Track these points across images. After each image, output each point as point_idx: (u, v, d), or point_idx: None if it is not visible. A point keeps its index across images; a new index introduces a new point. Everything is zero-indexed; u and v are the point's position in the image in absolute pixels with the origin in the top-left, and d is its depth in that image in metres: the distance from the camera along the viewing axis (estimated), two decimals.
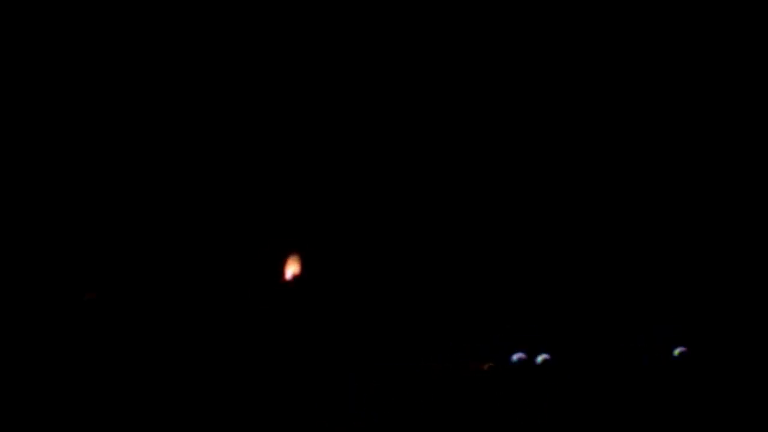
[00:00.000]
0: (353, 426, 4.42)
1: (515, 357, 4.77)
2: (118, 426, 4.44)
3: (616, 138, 5.21)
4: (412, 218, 5.21)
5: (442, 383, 4.63)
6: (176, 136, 5.18)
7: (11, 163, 5.07)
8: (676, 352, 4.82)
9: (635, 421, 4.52)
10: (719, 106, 5.20)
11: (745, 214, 5.16)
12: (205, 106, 5.19)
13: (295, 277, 5.00)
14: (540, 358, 4.80)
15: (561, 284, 5.15)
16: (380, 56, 5.22)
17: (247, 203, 5.17)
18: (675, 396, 4.62)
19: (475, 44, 5.24)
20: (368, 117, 5.23)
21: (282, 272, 5.03)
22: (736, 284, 5.10)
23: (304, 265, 5.03)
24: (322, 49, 5.22)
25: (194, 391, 4.58)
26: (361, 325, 4.96)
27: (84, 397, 4.52)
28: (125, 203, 5.13)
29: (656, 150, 5.23)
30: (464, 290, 5.12)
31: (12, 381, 4.56)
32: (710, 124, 5.21)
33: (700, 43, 5.19)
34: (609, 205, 5.20)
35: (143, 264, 5.05)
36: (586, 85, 5.22)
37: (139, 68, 5.16)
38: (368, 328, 4.95)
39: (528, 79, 5.23)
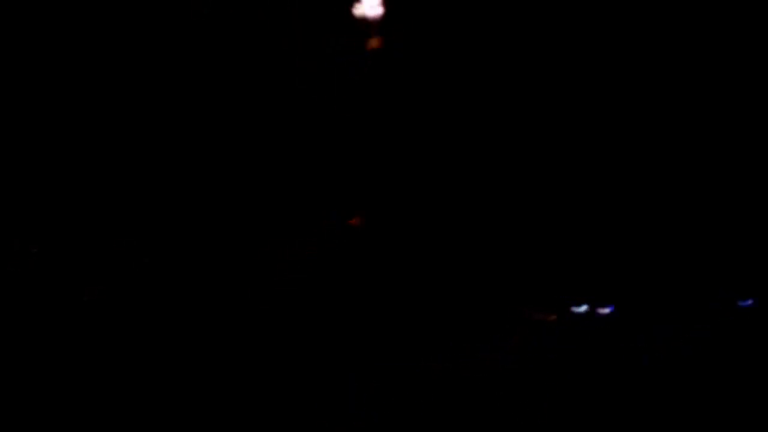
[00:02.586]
0: (353, 426, 4.43)
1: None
2: (118, 426, 4.45)
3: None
4: (411, 215, 5.21)
5: (442, 383, 4.64)
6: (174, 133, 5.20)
7: (11, 163, 5.09)
8: None
9: (635, 420, 4.53)
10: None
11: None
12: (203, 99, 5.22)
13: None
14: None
15: (561, 285, 5.16)
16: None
17: (244, 199, 5.18)
18: (675, 396, 4.63)
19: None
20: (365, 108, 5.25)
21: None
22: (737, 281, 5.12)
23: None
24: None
25: (194, 391, 4.58)
26: (362, 325, 4.97)
27: (84, 397, 4.53)
28: (125, 202, 5.14)
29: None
30: (464, 289, 5.12)
31: (12, 381, 4.57)
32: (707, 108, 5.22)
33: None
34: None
35: (143, 262, 5.06)
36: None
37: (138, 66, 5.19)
38: (368, 328, 4.96)
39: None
